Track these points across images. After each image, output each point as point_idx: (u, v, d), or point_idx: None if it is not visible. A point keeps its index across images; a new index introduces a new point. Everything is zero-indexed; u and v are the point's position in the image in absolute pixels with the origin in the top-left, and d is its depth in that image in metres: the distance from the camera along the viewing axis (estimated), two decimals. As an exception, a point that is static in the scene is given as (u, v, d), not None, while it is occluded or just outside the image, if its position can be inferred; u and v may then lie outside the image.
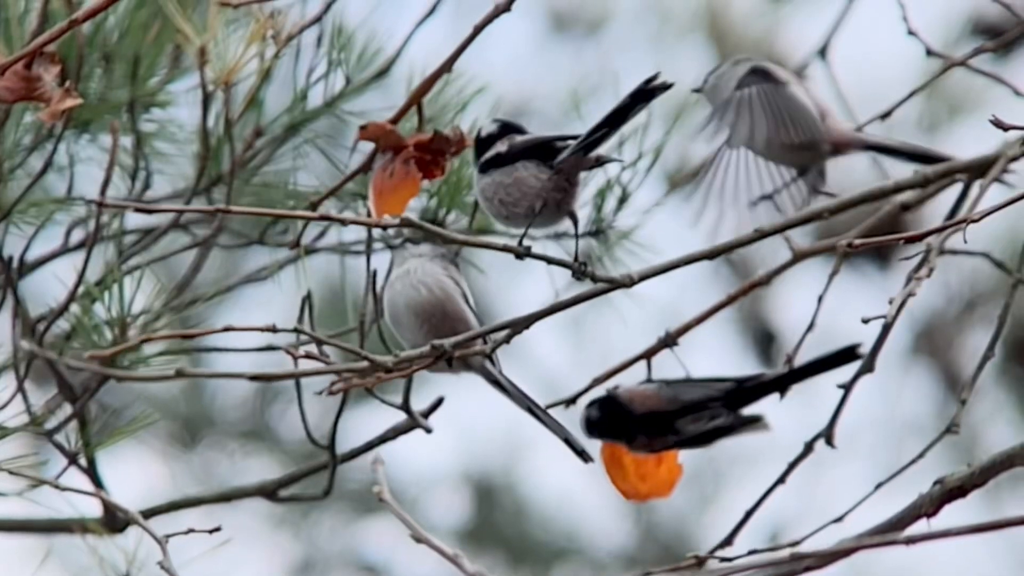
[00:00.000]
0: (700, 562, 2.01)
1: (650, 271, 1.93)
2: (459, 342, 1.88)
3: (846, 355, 2.05)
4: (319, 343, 1.90)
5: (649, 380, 2.07)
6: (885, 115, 2.21)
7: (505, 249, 1.89)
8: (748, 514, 2.04)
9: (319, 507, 3.69)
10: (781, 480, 2.04)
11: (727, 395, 2.05)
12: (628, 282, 1.91)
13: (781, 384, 2.06)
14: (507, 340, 1.91)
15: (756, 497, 2.07)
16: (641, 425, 2.04)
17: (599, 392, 2.07)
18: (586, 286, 1.93)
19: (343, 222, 1.81)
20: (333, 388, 1.84)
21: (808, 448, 2.04)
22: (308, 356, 1.83)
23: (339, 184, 2.07)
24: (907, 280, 1.91)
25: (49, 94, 1.77)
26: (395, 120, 2.03)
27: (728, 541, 2.03)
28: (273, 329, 1.80)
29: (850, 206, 2.08)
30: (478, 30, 1.95)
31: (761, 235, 2.00)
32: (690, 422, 2.04)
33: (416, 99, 2.03)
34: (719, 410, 2.05)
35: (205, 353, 2.45)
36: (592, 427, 2.06)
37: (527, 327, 1.90)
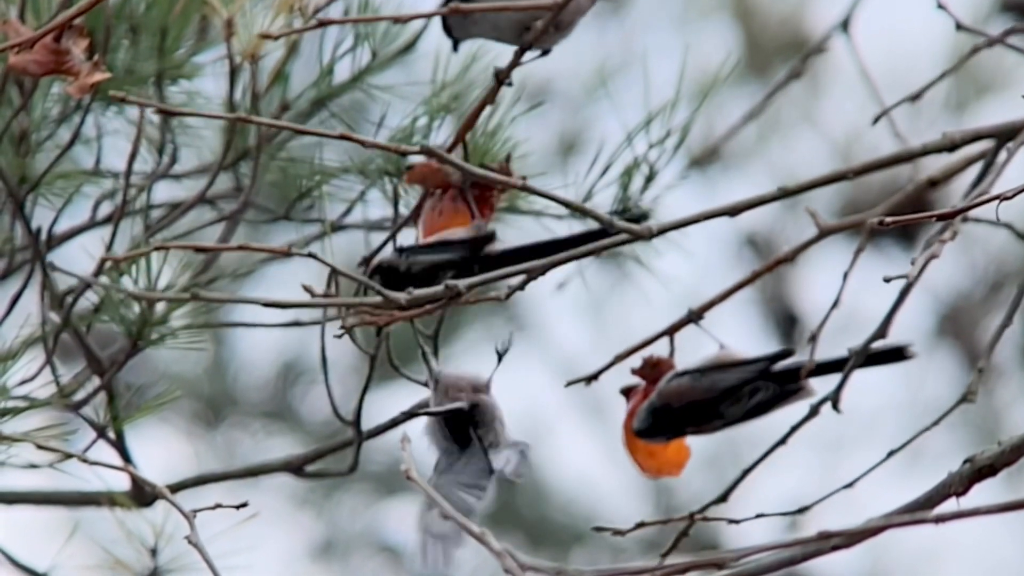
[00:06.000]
0: (692, 517, 2.01)
1: (670, 224, 1.91)
2: (474, 284, 1.87)
3: (895, 354, 2.05)
4: (334, 272, 1.88)
5: (678, 375, 2.06)
6: (915, 97, 2.20)
7: (524, 188, 1.88)
8: (745, 472, 2.02)
9: (341, 487, 3.69)
10: (782, 441, 2.01)
11: (761, 374, 2.05)
12: (647, 233, 1.90)
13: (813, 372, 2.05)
14: (522, 286, 1.90)
15: (781, 479, 2.06)
16: (686, 417, 2.04)
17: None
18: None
19: (362, 143, 1.80)
20: (346, 323, 1.83)
21: (813, 411, 2.02)
22: (325, 295, 1.83)
23: (395, 230, 2.06)
24: (931, 243, 1.89)
25: (78, 67, 1.76)
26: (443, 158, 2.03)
27: (723, 498, 2.02)
28: (288, 252, 1.80)
29: (876, 168, 2.06)
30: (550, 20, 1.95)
31: (784, 193, 1.98)
32: (731, 404, 2.04)
33: (462, 136, 2.03)
34: (759, 384, 2.04)
35: (230, 329, 2.45)
36: (645, 434, 2.06)
37: (543, 273, 1.89)
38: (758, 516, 1.98)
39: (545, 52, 2.05)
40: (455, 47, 2.05)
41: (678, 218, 1.93)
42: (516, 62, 2.01)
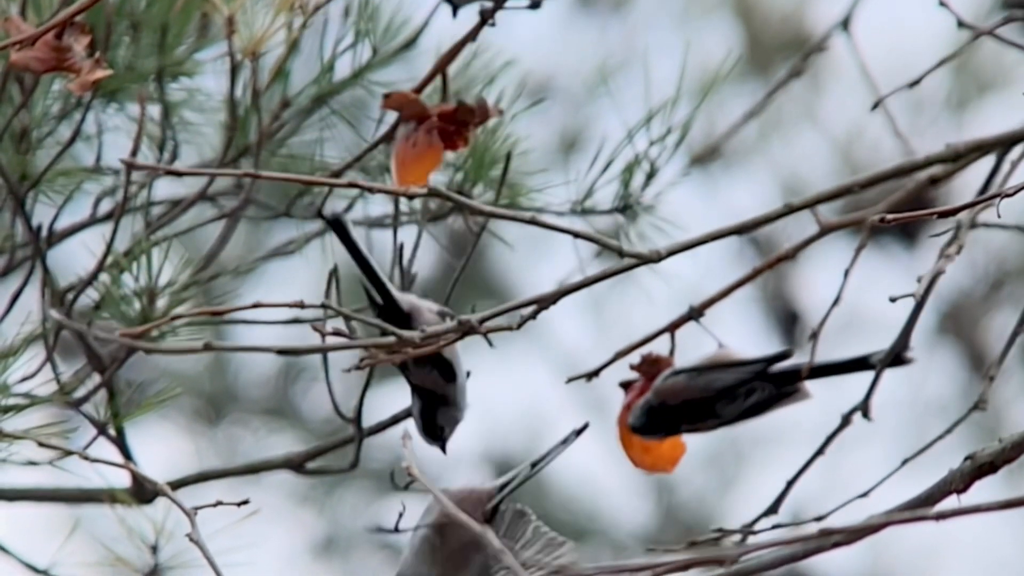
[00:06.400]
0: (725, 535, 2.01)
1: (678, 246, 1.91)
2: (487, 317, 1.87)
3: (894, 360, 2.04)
4: (346, 318, 1.89)
5: (674, 373, 2.06)
6: (914, 83, 2.19)
7: (532, 222, 1.88)
8: (789, 484, 2.02)
9: (342, 485, 3.70)
10: (820, 451, 2.01)
11: (758, 375, 2.05)
12: (656, 257, 1.90)
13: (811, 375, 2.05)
14: (534, 316, 1.90)
15: (782, 478, 2.05)
16: (681, 415, 2.04)
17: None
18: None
19: (369, 190, 1.81)
20: (361, 363, 1.83)
21: (845, 421, 2.01)
22: (335, 332, 1.83)
23: (362, 153, 2.08)
24: (939, 256, 1.89)
25: (79, 65, 1.76)
26: (419, 90, 2.03)
27: (773, 509, 2.02)
28: (301, 305, 1.80)
29: (881, 180, 2.07)
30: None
31: (790, 209, 1.99)
32: (727, 404, 2.04)
33: (440, 68, 2.02)
34: (755, 385, 2.04)
35: (230, 326, 2.45)
36: (641, 431, 2.07)
37: (554, 302, 1.89)
38: (776, 527, 1.97)
39: (535, 5, 2.04)
40: (454, 13, 2.05)
41: (686, 239, 1.92)
42: (501, 3, 2.00)
